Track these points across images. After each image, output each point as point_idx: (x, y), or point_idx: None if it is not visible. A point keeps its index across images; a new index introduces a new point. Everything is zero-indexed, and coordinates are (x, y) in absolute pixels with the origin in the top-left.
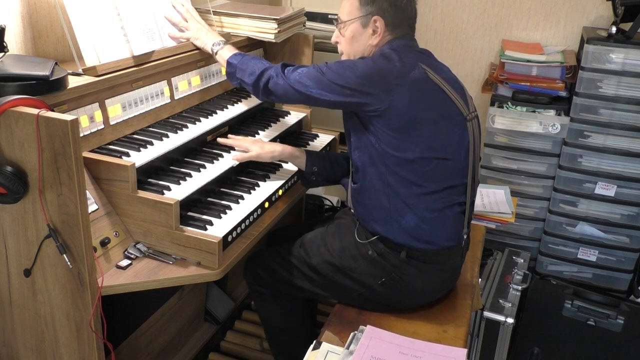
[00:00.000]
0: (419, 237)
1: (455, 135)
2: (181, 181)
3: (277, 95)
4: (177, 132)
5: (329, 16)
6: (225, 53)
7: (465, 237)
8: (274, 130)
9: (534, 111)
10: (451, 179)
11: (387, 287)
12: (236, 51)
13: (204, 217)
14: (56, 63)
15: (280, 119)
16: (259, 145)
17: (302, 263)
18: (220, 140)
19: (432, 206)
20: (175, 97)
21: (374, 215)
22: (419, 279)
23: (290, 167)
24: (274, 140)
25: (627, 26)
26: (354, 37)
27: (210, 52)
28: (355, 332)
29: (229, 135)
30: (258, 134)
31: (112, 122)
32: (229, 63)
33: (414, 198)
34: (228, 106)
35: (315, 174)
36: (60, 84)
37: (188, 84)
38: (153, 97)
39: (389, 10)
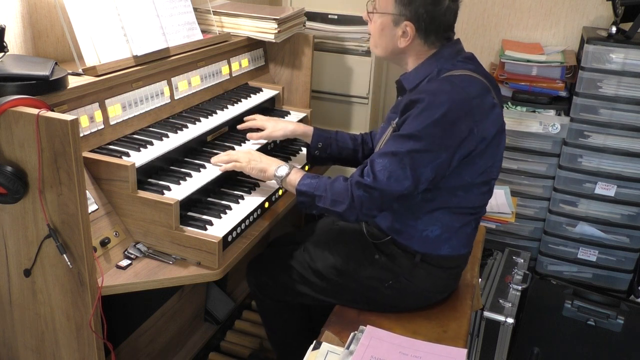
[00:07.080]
0: (439, 245)
1: (502, 150)
2: (181, 181)
3: (379, 207)
4: (177, 132)
5: (329, 16)
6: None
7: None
8: None
9: (534, 111)
10: (489, 195)
11: (394, 290)
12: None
13: (204, 217)
14: (56, 63)
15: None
16: (272, 124)
17: (305, 268)
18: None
19: (462, 220)
20: (175, 97)
21: (393, 225)
22: (427, 281)
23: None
24: (275, 140)
25: (627, 26)
26: (383, 30)
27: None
28: (355, 332)
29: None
30: None
31: (112, 122)
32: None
33: (448, 214)
34: (228, 106)
35: (319, 149)
36: (60, 84)
37: (188, 84)
38: (153, 97)
39: (424, 17)
